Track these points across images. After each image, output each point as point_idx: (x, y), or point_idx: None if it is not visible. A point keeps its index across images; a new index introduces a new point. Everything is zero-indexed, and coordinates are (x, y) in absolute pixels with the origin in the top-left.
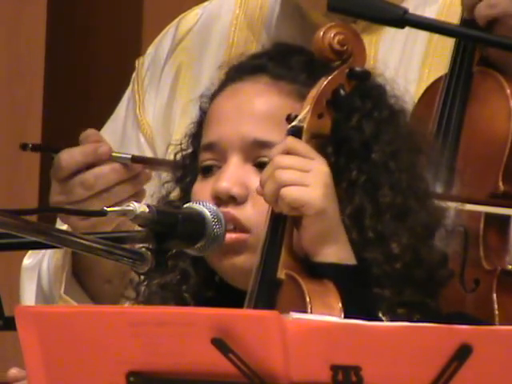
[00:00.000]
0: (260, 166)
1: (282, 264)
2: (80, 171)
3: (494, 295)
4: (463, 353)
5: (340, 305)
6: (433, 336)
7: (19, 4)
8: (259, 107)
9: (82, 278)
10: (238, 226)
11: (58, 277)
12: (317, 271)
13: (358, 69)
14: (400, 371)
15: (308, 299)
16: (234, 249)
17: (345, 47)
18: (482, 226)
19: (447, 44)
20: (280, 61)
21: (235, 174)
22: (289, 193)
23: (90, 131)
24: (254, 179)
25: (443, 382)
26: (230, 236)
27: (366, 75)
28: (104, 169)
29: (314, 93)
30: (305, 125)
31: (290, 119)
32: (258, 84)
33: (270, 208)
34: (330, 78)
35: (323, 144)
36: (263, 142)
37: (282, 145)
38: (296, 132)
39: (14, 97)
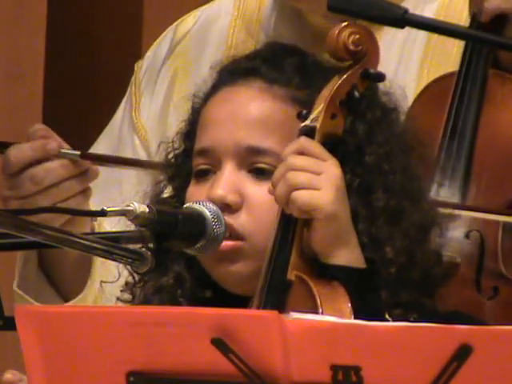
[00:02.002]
0: (255, 172)
1: (292, 265)
2: (29, 166)
3: None
4: (463, 353)
5: (349, 308)
6: (433, 336)
7: (19, 5)
8: (253, 113)
9: (49, 271)
10: (233, 234)
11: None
12: (326, 272)
13: (372, 70)
14: (400, 371)
15: (319, 302)
16: (229, 257)
17: (359, 47)
18: (500, 233)
19: (446, 44)
20: (273, 63)
21: (230, 182)
22: (300, 197)
23: (38, 126)
24: (248, 186)
25: (443, 382)
26: (226, 244)
27: (381, 77)
28: (53, 164)
29: (326, 92)
30: (318, 125)
31: (301, 116)
32: (252, 88)
33: (281, 209)
34: (343, 77)
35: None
36: (257, 149)
37: (295, 144)
38: (308, 132)
39: (14, 97)
